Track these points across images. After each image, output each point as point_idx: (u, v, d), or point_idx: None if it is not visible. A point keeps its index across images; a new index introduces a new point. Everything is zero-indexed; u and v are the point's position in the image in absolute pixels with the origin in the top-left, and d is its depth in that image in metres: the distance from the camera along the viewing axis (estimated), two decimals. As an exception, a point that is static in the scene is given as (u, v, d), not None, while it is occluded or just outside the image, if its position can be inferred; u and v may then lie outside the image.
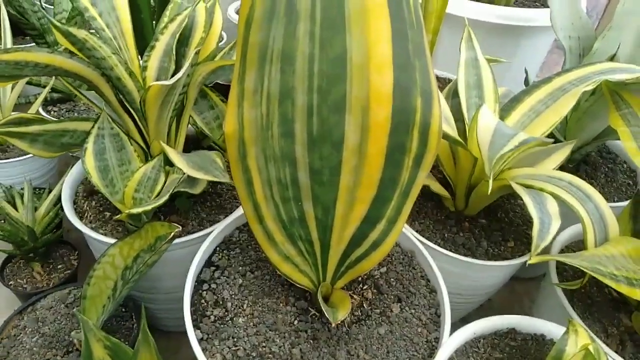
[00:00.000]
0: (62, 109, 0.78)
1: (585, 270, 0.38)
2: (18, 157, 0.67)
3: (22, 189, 0.62)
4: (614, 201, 0.63)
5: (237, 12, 1.11)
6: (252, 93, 0.35)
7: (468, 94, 0.54)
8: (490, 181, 0.37)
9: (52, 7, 1.04)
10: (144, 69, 0.51)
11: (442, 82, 0.84)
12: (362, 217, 0.40)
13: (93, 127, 0.46)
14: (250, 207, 0.40)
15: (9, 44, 0.69)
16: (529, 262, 0.39)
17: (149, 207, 0.41)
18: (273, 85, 0.35)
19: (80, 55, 0.43)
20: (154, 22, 0.85)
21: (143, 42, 0.83)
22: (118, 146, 0.48)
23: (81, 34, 0.40)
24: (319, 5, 0.34)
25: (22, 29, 0.82)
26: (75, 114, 0.77)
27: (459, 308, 0.58)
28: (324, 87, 0.35)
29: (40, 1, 1.04)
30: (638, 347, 0.46)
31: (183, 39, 0.51)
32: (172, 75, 0.50)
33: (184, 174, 0.44)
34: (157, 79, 0.51)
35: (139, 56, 0.53)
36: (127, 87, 0.47)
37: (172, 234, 0.40)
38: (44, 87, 0.72)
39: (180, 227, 0.41)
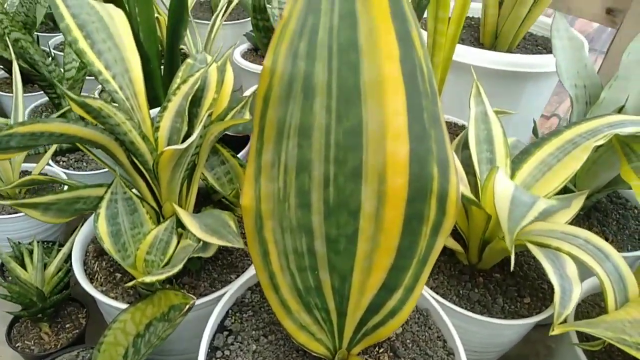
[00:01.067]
0: (71, 159, 0.78)
1: (610, 341, 0.37)
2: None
3: (29, 244, 0.62)
4: (627, 250, 0.63)
5: (243, 56, 1.13)
6: (270, 167, 0.35)
7: (479, 149, 0.54)
8: (512, 254, 0.37)
9: (62, 53, 1.06)
10: (156, 129, 0.51)
11: (449, 127, 0.84)
12: (379, 285, 0.40)
13: (106, 192, 0.46)
14: (266, 277, 0.40)
15: (20, 100, 0.70)
16: (551, 333, 0.38)
17: (162, 277, 0.40)
18: (290, 159, 0.35)
19: (93, 121, 0.43)
20: (161, 67, 0.86)
21: (152, 92, 0.84)
22: (130, 209, 0.48)
23: (96, 103, 0.41)
24: (335, 80, 0.34)
25: (32, 80, 0.83)
26: (84, 164, 0.77)
27: (475, 365, 0.57)
28: (340, 157, 0.35)
29: (50, 52, 1.06)
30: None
31: (195, 100, 0.51)
32: (185, 136, 0.50)
33: (199, 241, 0.44)
34: (170, 139, 0.51)
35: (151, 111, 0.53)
36: (140, 150, 0.47)
37: (187, 306, 0.39)
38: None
39: (195, 298, 0.40)
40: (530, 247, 0.44)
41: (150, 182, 0.50)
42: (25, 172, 0.75)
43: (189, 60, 0.54)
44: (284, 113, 0.34)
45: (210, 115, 0.48)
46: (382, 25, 0.33)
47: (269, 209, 0.37)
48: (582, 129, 0.55)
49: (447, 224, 0.37)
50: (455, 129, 0.84)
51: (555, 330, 0.38)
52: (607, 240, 0.64)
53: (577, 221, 0.66)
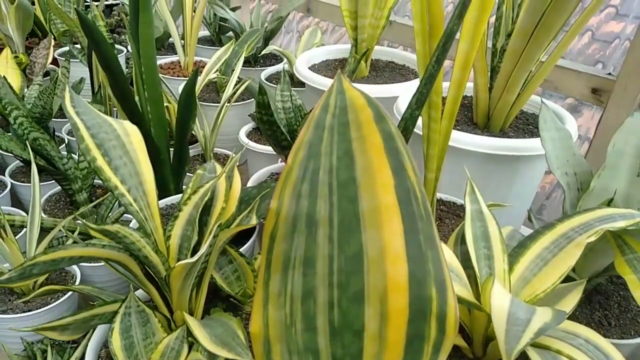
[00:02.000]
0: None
1: None
2: (41, 307, 0.68)
3: (41, 342, 0.63)
4: (630, 335, 0.63)
5: (248, 136, 1.18)
6: (277, 296, 0.38)
7: (476, 246, 0.56)
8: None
9: (74, 139, 1.11)
10: (167, 238, 0.54)
11: (448, 206, 0.87)
12: (384, 402, 0.41)
13: (120, 306, 0.49)
14: (274, 396, 0.41)
15: (38, 195, 0.73)
16: None
17: (174, 395, 0.42)
18: (296, 287, 0.37)
19: (110, 242, 0.46)
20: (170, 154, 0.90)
21: (162, 180, 0.88)
22: (143, 321, 0.50)
23: (114, 228, 0.44)
24: (335, 212, 0.37)
25: (47, 173, 0.88)
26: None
27: None
28: (343, 281, 0.38)
29: (64, 138, 1.12)
30: None
31: (205, 208, 0.54)
32: (195, 245, 0.53)
33: (210, 357, 0.46)
34: (180, 247, 0.54)
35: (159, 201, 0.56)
36: (154, 262, 0.50)
37: None
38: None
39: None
40: (530, 352, 0.46)
41: (163, 290, 0.53)
42: (38, 266, 0.77)
43: (199, 171, 0.58)
44: (290, 247, 0.36)
45: (219, 225, 0.51)
46: (377, 160, 0.37)
47: (276, 334, 0.38)
48: (575, 222, 0.57)
49: (447, 343, 0.39)
50: (455, 209, 0.86)
51: None
52: (609, 325, 0.65)
53: (579, 306, 0.67)
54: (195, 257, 0.46)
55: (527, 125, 0.94)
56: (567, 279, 0.60)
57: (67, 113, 0.53)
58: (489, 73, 0.90)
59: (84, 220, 0.41)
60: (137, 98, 0.82)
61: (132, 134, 0.56)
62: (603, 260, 0.64)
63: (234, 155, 0.62)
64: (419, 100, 0.54)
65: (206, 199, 0.53)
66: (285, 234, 0.36)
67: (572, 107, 1.64)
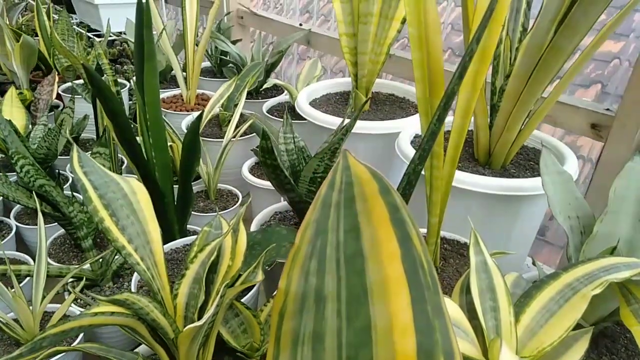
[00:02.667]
0: (89, 296, 0.80)
1: None
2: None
3: (48, 395, 0.63)
4: (639, 381, 0.63)
5: (250, 171, 1.19)
6: (286, 372, 0.38)
7: (482, 298, 0.56)
8: None
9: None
10: (175, 296, 0.54)
11: (451, 245, 0.87)
12: None
13: (129, 371, 0.49)
14: None
15: (44, 241, 0.74)
16: None
17: None
18: (305, 363, 0.37)
19: (119, 309, 0.47)
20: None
21: (166, 224, 0.88)
22: (151, 384, 0.50)
23: (123, 296, 0.44)
24: (343, 286, 0.37)
25: (53, 219, 0.88)
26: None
27: None
28: (352, 355, 0.38)
29: (68, 175, 1.13)
30: None
31: (212, 266, 0.55)
32: (202, 304, 0.53)
33: None
34: (187, 305, 0.54)
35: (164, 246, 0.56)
36: (161, 325, 0.50)
37: None
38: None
39: None
40: (540, 415, 0.46)
41: (171, 348, 0.53)
42: (45, 313, 0.77)
43: (205, 228, 0.58)
44: (298, 324, 0.37)
45: (227, 285, 0.51)
46: (382, 232, 0.37)
47: (286, 410, 0.39)
48: (579, 272, 0.58)
49: (456, 414, 0.39)
50: (459, 247, 0.87)
51: None
52: (617, 370, 0.65)
53: (586, 352, 0.67)
54: (203, 320, 0.47)
55: (528, 162, 0.95)
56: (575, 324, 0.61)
57: (75, 174, 0.54)
58: (489, 111, 0.91)
59: (95, 296, 0.41)
60: (141, 144, 0.83)
61: (138, 192, 0.57)
62: (609, 305, 0.64)
63: (239, 195, 0.62)
64: (422, 156, 0.55)
65: (212, 257, 0.53)
66: (294, 311, 0.37)
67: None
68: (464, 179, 0.82)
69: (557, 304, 0.56)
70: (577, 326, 0.61)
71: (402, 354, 0.37)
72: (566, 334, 0.53)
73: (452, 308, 0.54)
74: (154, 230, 0.55)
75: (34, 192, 0.78)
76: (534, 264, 0.71)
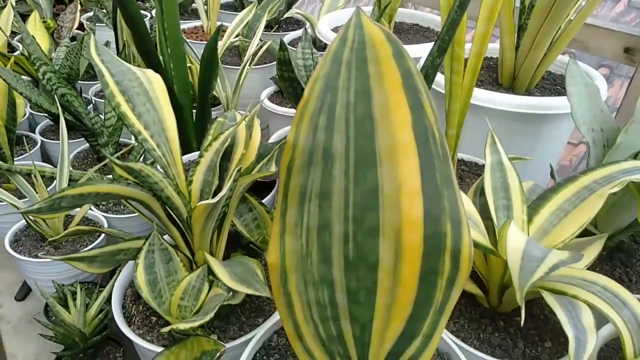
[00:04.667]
0: (110, 203, 0.83)
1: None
2: (70, 252, 0.72)
3: (71, 285, 0.66)
4: (652, 291, 0.62)
5: (270, 99, 1.18)
6: (293, 227, 0.38)
7: (495, 196, 0.56)
8: (522, 310, 0.38)
9: (102, 100, 1.14)
10: (189, 182, 0.55)
11: (469, 166, 0.86)
12: (398, 334, 0.42)
13: (144, 243, 0.51)
14: (290, 326, 0.42)
15: (66, 150, 0.76)
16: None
17: (195, 324, 0.44)
18: (312, 219, 0.38)
19: (134, 180, 0.48)
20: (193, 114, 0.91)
21: (185, 137, 0.90)
22: (166, 258, 0.52)
23: (137, 166, 0.45)
24: (352, 147, 0.37)
25: (75, 129, 0.90)
26: (121, 207, 0.82)
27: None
28: (358, 216, 0.38)
29: (91, 99, 1.14)
30: None
31: (225, 155, 0.56)
32: (216, 189, 0.54)
33: (229, 291, 0.47)
34: (202, 192, 0.55)
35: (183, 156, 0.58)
36: (176, 204, 0.51)
37: (219, 353, 0.42)
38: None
39: (225, 346, 0.43)
40: (545, 295, 0.46)
41: (184, 231, 0.54)
42: (68, 216, 0.80)
43: (219, 119, 0.59)
44: (306, 180, 0.37)
45: (239, 170, 0.52)
46: (394, 97, 0.36)
47: (292, 264, 0.40)
48: (598, 175, 0.56)
49: (461, 279, 0.39)
50: (476, 169, 0.86)
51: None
52: (630, 281, 0.64)
53: (599, 262, 0.67)
54: (217, 198, 0.48)
55: (554, 86, 0.91)
56: (589, 235, 0.60)
57: (92, 60, 0.54)
58: (516, 31, 0.88)
59: (111, 157, 0.42)
60: (160, 57, 0.83)
61: (155, 82, 0.57)
62: (626, 216, 0.63)
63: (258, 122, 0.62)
64: (441, 48, 0.54)
65: (226, 144, 0.54)
66: (302, 166, 0.37)
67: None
68: (486, 97, 0.80)
69: (572, 205, 0.55)
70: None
71: (408, 219, 0.37)
72: (579, 230, 0.52)
73: (464, 202, 0.54)
74: (170, 120, 0.56)
75: (56, 99, 0.79)
76: (552, 175, 0.69)
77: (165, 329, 0.46)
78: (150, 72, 0.58)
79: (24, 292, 0.83)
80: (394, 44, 0.35)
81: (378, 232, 0.38)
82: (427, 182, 0.36)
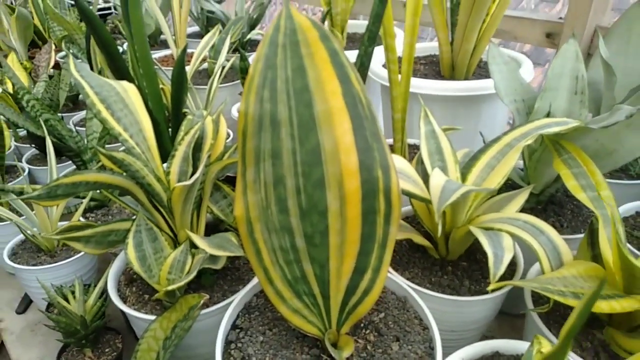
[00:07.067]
0: (98, 214, 0.90)
1: (536, 290, 0.47)
2: (65, 259, 0.78)
3: (70, 286, 0.73)
4: (581, 232, 0.72)
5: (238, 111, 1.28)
6: (253, 183, 0.47)
7: (431, 159, 0.65)
8: (439, 227, 0.47)
9: (83, 129, 1.22)
10: (167, 173, 0.63)
11: (416, 149, 0.96)
12: (351, 269, 0.50)
13: (132, 224, 0.58)
14: (261, 272, 0.50)
15: (54, 169, 0.83)
16: (489, 288, 0.47)
17: (181, 283, 0.51)
18: (267, 176, 0.47)
19: (118, 170, 0.56)
20: (169, 128, 1.00)
21: (162, 150, 0.98)
22: (152, 238, 0.59)
23: (120, 155, 0.53)
24: (294, 114, 0.46)
25: (60, 152, 0.98)
26: (110, 217, 0.90)
27: (454, 345, 0.65)
28: (306, 171, 0.47)
29: (73, 127, 1.22)
30: (611, 357, 0.53)
31: (196, 146, 0.64)
32: (191, 177, 0.62)
33: (207, 253, 0.55)
34: (179, 181, 0.63)
35: (162, 164, 0.66)
36: (156, 190, 0.59)
37: (202, 301, 0.50)
38: (83, 198, 0.85)
39: (208, 296, 0.51)
40: (472, 229, 0.55)
41: (166, 215, 0.62)
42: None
43: (189, 117, 0.67)
44: (259, 142, 0.46)
45: (209, 156, 0.60)
46: (325, 72, 0.45)
47: (256, 215, 0.48)
48: (517, 133, 0.66)
49: (395, 214, 0.48)
50: (427, 151, 0.95)
51: (491, 286, 0.47)
52: (562, 226, 0.73)
53: (535, 214, 0.76)
54: (192, 180, 0.56)
55: (488, 72, 1.02)
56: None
57: (72, 76, 0.63)
58: (450, 27, 0.99)
59: (97, 147, 0.50)
60: (134, 77, 0.92)
61: (129, 90, 0.66)
62: (550, 170, 0.73)
63: (231, 133, 0.71)
64: (370, 38, 0.64)
65: (197, 136, 0.62)
66: (254, 131, 0.46)
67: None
68: (426, 85, 0.91)
69: (497, 160, 0.65)
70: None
71: (347, 169, 0.46)
72: (503, 179, 0.62)
73: (398, 160, 0.63)
74: (146, 121, 0.64)
75: (42, 123, 0.87)
76: (484, 142, 0.79)
77: (158, 294, 0.53)
78: (125, 83, 0.66)
79: (24, 305, 0.89)
80: (320, 29, 0.45)
81: (324, 183, 0.46)
82: (359, 138, 0.46)
